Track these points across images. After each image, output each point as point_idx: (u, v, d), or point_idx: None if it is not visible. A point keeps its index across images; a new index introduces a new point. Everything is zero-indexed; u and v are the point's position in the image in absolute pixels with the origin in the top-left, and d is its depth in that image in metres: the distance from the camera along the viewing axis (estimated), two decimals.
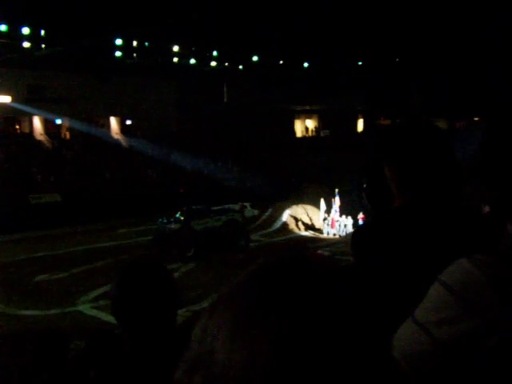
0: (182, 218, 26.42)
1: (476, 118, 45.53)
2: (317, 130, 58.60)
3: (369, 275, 1.71)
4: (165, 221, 26.46)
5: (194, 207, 27.45)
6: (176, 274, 21.87)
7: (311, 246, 28.41)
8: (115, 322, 2.14)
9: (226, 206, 29.34)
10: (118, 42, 40.91)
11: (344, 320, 0.69)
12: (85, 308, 17.95)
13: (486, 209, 1.65)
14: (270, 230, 33.88)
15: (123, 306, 2.11)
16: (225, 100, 55.23)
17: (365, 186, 2.00)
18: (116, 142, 45.25)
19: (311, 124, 59.51)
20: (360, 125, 59.01)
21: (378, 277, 1.69)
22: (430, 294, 1.16)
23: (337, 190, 34.10)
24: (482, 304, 1.07)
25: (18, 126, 44.08)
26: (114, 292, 2.17)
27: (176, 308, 2.20)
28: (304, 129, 59.05)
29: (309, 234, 34.48)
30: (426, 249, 1.66)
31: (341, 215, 33.92)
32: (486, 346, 1.05)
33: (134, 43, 42.19)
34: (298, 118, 59.45)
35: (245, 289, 0.73)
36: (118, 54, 41.77)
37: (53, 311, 17.51)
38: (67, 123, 44.54)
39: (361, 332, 0.69)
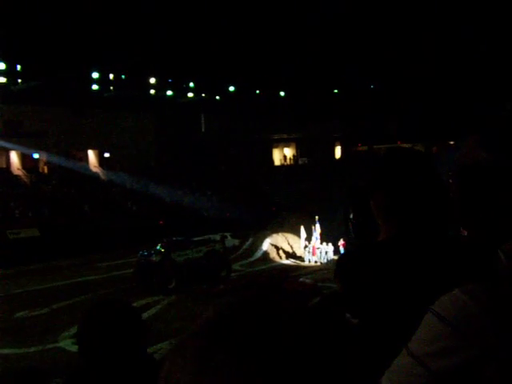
0: (163, 250, 26.24)
1: (451, 142, 46.04)
2: (295, 157, 58.84)
3: (356, 306, 1.69)
4: (145, 253, 26.26)
5: (174, 239, 27.33)
6: (158, 307, 21.70)
7: (293, 274, 28.32)
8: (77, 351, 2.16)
9: (207, 237, 29.25)
10: (95, 75, 41.00)
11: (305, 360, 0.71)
12: (66, 344, 17.63)
13: (464, 232, 1.64)
14: (251, 259, 33.77)
15: (88, 347, 2.12)
16: (202, 130, 55.42)
17: (351, 217, 1.98)
18: (94, 175, 45.08)
19: (289, 152, 59.77)
20: (338, 152, 59.36)
21: (367, 308, 1.68)
22: (423, 326, 1.15)
23: (317, 218, 34.15)
24: (478, 333, 1.06)
25: None
26: (78, 333, 2.17)
27: (142, 348, 2.19)
28: (282, 157, 59.28)
29: (290, 262, 34.42)
30: (416, 280, 1.64)
31: (321, 242, 33.91)
32: (483, 374, 1.05)
33: (111, 76, 42.31)
34: (276, 147, 59.71)
35: (209, 328, 0.75)
36: (95, 87, 41.85)
37: (33, 348, 17.19)
38: (45, 157, 44.28)
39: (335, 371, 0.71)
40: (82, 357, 2.15)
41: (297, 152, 59.42)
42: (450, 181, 1.32)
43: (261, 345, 0.70)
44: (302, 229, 35.06)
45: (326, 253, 33.40)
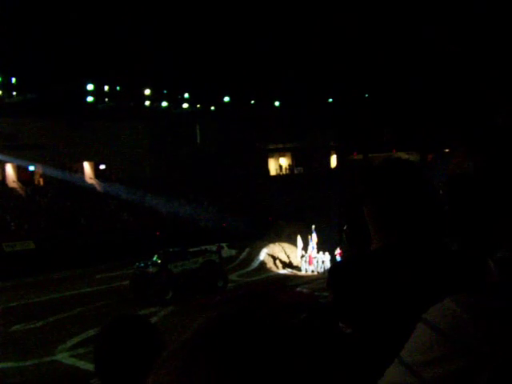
0: (159, 261, 26.20)
1: (446, 150, 46.14)
2: (290, 167, 58.87)
3: (349, 316, 1.70)
4: (142, 265, 26.21)
5: (170, 250, 27.27)
6: (155, 318, 21.62)
7: (290, 284, 28.28)
8: (94, 369, 2.12)
9: (203, 248, 29.23)
10: (90, 87, 41.06)
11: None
12: (63, 357, 17.55)
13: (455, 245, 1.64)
14: (248, 269, 33.70)
15: (105, 364, 2.08)
16: (198, 141, 55.41)
17: (345, 227, 1.98)
18: (90, 187, 44.99)
19: (285, 162, 59.79)
20: (333, 161, 59.43)
21: (359, 317, 1.68)
22: (415, 335, 1.14)
23: (313, 227, 34.10)
24: (470, 343, 1.06)
25: None
26: (96, 349, 2.14)
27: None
28: (278, 167, 59.28)
29: (287, 271, 34.34)
30: (408, 288, 1.65)
31: (318, 252, 33.83)
32: (476, 383, 1.05)
33: (106, 88, 42.38)
34: (272, 157, 59.70)
35: (192, 342, 0.75)
36: (90, 99, 41.90)
37: (29, 362, 17.08)
38: (40, 170, 44.21)
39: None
40: (99, 376, 2.11)
41: (292, 161, 59.46)
42: (441, 191, 1.34)
43: (242, 360, 0.70)
44: (299, 238, 34.99)
45: (323, 262, 33.31)
